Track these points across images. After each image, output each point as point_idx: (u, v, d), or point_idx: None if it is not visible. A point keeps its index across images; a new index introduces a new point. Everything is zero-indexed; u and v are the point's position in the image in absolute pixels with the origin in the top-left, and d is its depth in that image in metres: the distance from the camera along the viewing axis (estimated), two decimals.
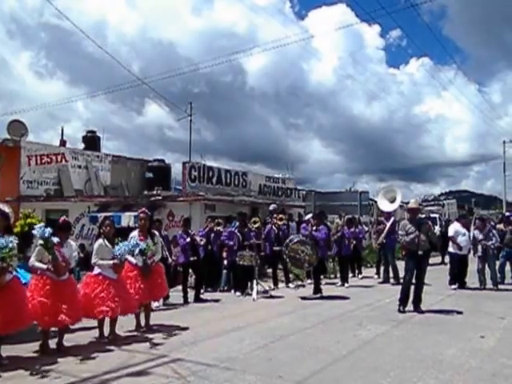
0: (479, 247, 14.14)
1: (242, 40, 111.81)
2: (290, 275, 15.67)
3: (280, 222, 15.57)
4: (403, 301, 10.79)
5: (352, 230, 16.70)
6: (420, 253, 10.66)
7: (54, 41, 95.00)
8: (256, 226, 14.11)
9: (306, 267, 13.14)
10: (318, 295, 12.89)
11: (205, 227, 14.59)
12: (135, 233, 9.52)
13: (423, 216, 11.86)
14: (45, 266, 7.43)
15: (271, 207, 18.03)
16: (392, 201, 17.20)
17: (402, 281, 11.31)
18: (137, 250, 8.78)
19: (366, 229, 19.87)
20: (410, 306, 10.77)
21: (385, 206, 17.31)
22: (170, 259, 12.54)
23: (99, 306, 8.04)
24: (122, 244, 8.55)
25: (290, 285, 15.12)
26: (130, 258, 8.90)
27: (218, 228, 14.55)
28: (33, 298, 7.33)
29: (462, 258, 14.47)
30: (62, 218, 8.19)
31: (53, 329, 7.73)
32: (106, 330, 8.42)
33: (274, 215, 16.21)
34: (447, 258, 16.36)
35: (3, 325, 6.71)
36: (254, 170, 29.11)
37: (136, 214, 13.70)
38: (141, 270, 9.10)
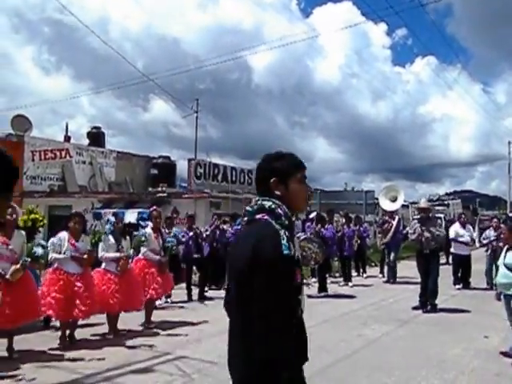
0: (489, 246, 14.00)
1: (247, 36, 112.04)
2: None
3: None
4: (420, 299, 10.92)
5: (355, 228, 16.62)
6: (426, 251, 10.66)
7: (57, 36, 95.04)
8: None
9: (312, 265, 13.11)
10: (323, 294, 12.86)
11: (211, 224, 14.53)
12: (149, 230, 9.54)
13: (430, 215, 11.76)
14: (65, 256, 7.63)
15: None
16: (393, 200, 17.20)
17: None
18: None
19: (369, 228, 19.81)
20: (412, 303, 10.83)
21: (386, 205, 17.33)
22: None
23: (105, 301, 8.12)
24: (169, 238, 9.79)
25: None
26: (151, 254, 9.09)
27: (224, 226, 14.49)
28: (48, 293, 7.41)
29: (463, 258, 14.46)
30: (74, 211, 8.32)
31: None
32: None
33: None
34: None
35: (14, 318, 6.75)
36: None
37: (140, 210, 13.73)
38: (159, 266, 9.35)
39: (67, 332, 7.79)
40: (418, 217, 11.31)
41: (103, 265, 8.48)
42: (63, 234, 7.79)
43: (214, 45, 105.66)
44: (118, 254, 8.41)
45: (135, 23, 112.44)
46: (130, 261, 8.82)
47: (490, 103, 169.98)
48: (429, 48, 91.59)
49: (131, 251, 8.79)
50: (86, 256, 7.80)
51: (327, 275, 14.57)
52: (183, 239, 12.23)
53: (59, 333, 7.83)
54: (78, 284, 7.66)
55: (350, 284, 15.03)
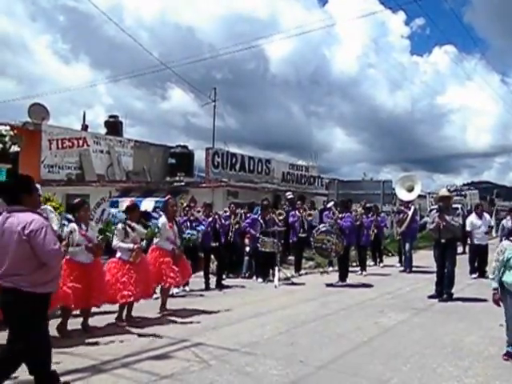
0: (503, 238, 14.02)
1: (263, 25, 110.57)
2: (312, 263, 15.69)
3: (309, 218, 15.32)
4: (436, 288, 10.97)
5: (372, 218, 16.68)
6: (443, 241, 10.66)
7: (74, 24, 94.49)
8: (280, 218, 14.03)
9: (333, 256, 13.15)
10: (342, 283, 12.89)
11: (228, 214, 14.48)
12: (164, 220, 9.58)
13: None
14: (80, 248, 7.54)
15: (288, 196, 17.94)
16: (410, 190, 17.18)
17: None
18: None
19: (387, 218, 19.80)
20: (428, 292, 10.88)
21: (403, 195, 17.32)
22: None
23: (121, 290, 8.10)
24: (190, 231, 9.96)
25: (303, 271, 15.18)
26: (165, 244, 9.22)
27: (240, 215, 14.49)
28: (64, 283, 7.37)
29: (480, 247, 14.46)
30: (78, 200, 8.27)
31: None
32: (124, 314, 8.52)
33: (298, 205, 16.09)
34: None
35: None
36: (277, 158, 28.94)
37: (157, 199, 13.78)
38: (174, 255, 9.35)
39: (64, 321, 7.64)
40: (437, 206, 11.29)
41: (118, 254, 8.48)
42: (73, 225, 7.63)
43: (229, 34, 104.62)
44: (131, 245, 8.35)
45: (149, 11, 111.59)
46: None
47: (509, 94, 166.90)
48: (447, 37, 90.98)
49: (143, 243, 8.73)
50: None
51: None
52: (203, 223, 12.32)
53: (73, 320, 7.82)
54: (92, 273, 7.68)
55: (365, 273, 15.06)
